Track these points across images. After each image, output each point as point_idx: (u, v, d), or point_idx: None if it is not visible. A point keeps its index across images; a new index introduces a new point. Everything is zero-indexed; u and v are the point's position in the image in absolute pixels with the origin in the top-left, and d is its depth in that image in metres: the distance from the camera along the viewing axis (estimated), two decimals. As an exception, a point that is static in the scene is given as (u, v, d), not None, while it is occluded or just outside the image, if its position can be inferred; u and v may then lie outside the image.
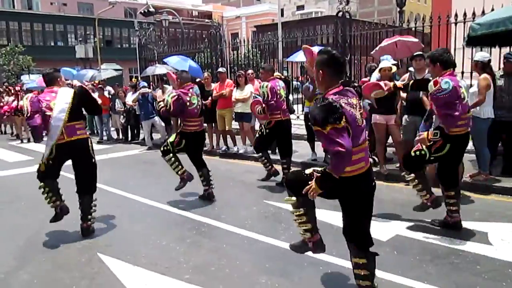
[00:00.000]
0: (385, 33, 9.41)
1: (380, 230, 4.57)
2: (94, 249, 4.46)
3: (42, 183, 4.76)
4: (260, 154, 6.79)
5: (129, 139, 12.21)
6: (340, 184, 2.81)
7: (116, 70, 19.38)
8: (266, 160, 6.81)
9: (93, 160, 4.97)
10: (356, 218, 3.01)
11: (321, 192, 2.81)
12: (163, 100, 5.85)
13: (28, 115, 4.51)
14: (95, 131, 13.42)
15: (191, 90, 5.80)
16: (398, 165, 6.90)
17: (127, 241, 4.68)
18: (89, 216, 4.87)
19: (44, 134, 4.67)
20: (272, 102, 6.36)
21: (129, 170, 8.67)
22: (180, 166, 6.09)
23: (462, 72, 8.11)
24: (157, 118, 10.71)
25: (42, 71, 4.99)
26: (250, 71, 9.37)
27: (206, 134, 10.05)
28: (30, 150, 10.98)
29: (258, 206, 5.72)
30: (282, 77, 8.78)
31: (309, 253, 4.06)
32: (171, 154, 6.03)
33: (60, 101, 4.59)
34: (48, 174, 4.74)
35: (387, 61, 6.96)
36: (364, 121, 2.95)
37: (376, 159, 7.09)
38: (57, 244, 4.66)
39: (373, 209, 3.08)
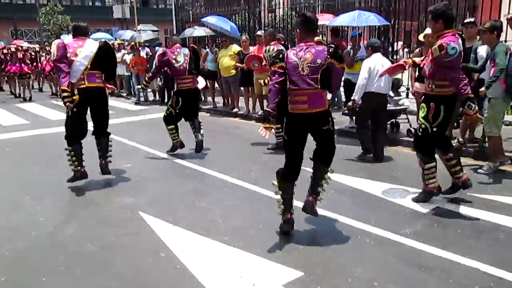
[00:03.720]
0: (433, -3, 8.95)
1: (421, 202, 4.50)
2: (136, 207, 4.59)
3: (69, 147, 5.14)
4: (280, 125, 6.74)
5: (166, 100, 12.33)
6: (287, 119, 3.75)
7: (153, 31, 19.38)
8: (281, 129, 6.84)
9: (108, 107, 5.43)
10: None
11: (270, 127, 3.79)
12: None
13: (55, 58, 4.93)
14: (132, 92, 13.61)
15: (178, 50, 6.24)
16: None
17: (167, 201, 4.79)
18: (107, 155, 5.42)
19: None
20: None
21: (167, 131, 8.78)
22: (176, 135, 6.55)
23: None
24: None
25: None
26: (259, 32, 9.20)
27: (242, 98, 10.09)
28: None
29: (294, 172, 5.70)
30: (322, 41, 8.57)
31: (347, 222, 4.09)
32: (172, 125, 6.48)
33: (86, 49, 5.03)
34: (74, 129, 5.09)
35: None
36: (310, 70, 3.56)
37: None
38: (100, 201, 4.83)
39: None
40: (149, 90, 12.92)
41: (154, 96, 13.00)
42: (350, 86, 7.81)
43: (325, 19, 10.39)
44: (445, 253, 3.47)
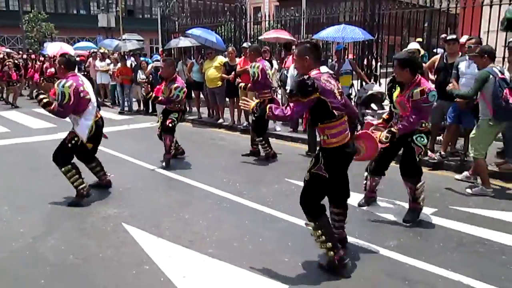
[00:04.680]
0: (416, 13, 9.14)
1: (404, 214, 4.54)
2: (119, 219, 4.53)
3: (67, 166, 4.99)
4: (261, 138, 6.91)
5: (150, 110, 12.26)
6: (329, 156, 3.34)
7: (138, 40, 19.33)
8: (266, 144, 7.00)
9: None
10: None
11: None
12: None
13: (70, 102, 4.76)
14: (117, 102, 13.51)
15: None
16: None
17: (151, 212, 4.74)
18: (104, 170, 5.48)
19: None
20: (262, 81, 6.66)
21: (151, 141, 8.69)
22: (177, 145, 6.90)
23: (494, 57, 7.84)
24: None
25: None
26: (245, 44, 9.43)
27: (228, 109, 10.10)
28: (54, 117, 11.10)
29: (279, 184, 5.72)
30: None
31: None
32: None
33: (89, 87, 5.08)
34: (70, 155, 5.09)
35: (415, 43, 6.89)
36: (341, 96, 3.37)
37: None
38: (82, 212, 4.75)
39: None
40: (134, 99, 12.86)
41: (139, 106, 12.90)
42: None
43: (280, 34, 10.90)
44: (429, 266, 3.51)
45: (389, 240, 3.99)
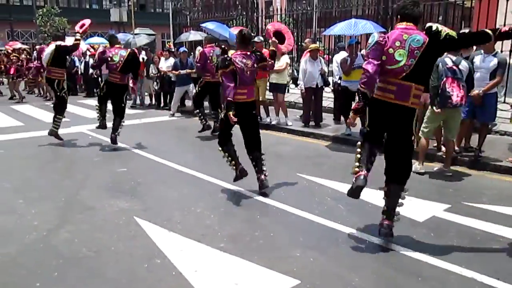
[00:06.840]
0: (430, 7, 9.00)
1: (417, 210, 4.50)
2: (131, 212, 4.56)
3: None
4: (198, 110, 8.45)
5: (162, 105, 12.31)
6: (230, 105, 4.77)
7: (149, 35, 19.36)
8: (201, 115, 8.45)
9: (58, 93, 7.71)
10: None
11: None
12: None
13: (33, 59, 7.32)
14: (128, 96, 13.55)
15: (116, 50, 7.40)
16: (435, 144, 6.73)
17: (163, 206, 4.76)
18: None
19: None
20: (201, 62, 8.13)
21: (163, 135, 8.77)
22: (100, 114, 7.71)
23: (510, 51, 7.72)
24: (191, 86, 10.70)
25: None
26: (256, 39, 9.32)
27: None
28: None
29: (291, 178, 5.69)
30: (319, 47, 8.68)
31: (343, 230, 4.07)
32: (97, 104, 7.73)
33: (47, 50, 7.41)
34: None
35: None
36: (250, 72, 4.93)
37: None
38: (95, 205, 4.78)
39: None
40: (146, 93, 12.91)
41: (150, 100, 12.95)
42: (347, 94, 7.83)
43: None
44: (441, 262, 3.47)
45: (402, 236, 3.95)
